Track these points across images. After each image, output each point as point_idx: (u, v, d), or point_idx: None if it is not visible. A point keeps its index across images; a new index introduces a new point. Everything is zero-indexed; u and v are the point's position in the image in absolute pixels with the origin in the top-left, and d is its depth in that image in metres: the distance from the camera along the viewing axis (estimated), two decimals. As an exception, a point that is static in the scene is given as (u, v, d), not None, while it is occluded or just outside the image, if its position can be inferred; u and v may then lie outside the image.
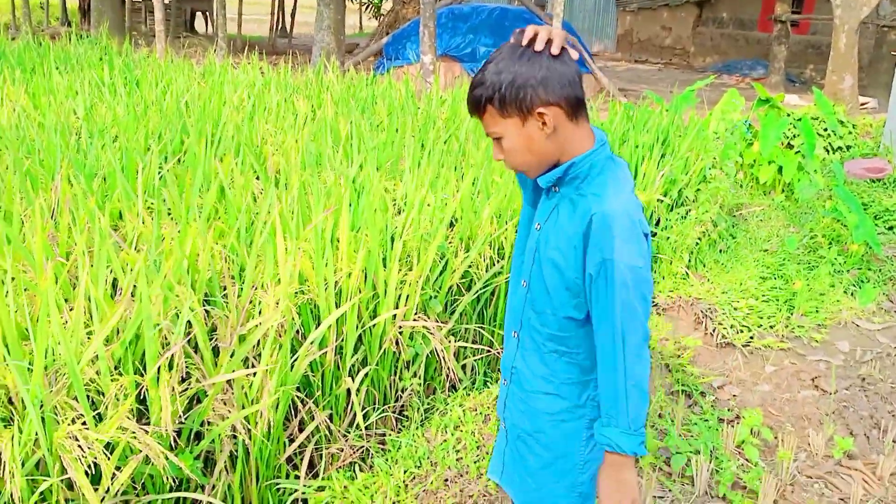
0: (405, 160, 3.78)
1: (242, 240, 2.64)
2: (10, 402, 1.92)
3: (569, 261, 1.48)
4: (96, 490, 1.84)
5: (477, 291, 3.13)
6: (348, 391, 2.61)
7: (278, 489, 2.43)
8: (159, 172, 3.37)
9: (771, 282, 4.53)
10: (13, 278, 2.20)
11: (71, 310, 2.13)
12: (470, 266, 3.16)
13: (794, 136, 6.06)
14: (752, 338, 4.09)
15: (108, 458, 1.85)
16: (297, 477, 2.45)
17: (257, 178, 3.67)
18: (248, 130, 4.14)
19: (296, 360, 2.34)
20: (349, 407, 2.65)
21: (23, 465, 1.75)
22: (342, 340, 2.60)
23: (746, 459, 3.11)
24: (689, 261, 4.57)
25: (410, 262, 2.90)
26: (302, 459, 2.48)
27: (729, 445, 3.16)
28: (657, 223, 4.57)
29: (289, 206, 3.00)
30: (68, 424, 1.82)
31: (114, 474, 1.89)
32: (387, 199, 3.11)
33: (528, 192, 1.67)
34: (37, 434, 1.78)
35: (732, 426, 3.28)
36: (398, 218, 3.11)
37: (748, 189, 6.10)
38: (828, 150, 6.25)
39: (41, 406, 1.79)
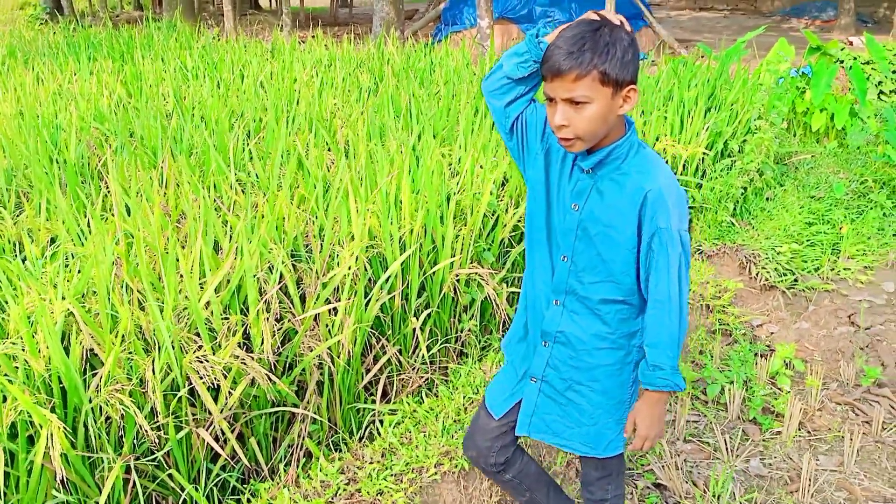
0: (460, 126, 4.14)
1: (320, 204, 3.08)
2: (144, 339, 2.42)
3: (624, 233, 1.65)
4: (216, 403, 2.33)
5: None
6: (414, 330, 3.04)
7: (357, 411, 2.89)
8: (244, 148, 3.85)
9: (817, 227, 4.70)
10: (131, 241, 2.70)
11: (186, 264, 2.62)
12: (519, 221, 3.52)
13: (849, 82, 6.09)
14: (795, 281, 4.31)
15: (224, 379, 2.34)
16: (373, 401, 2.91)
17: (328, 150, 4.11)
18: (318, 106, 4.58)
19: (369, 301, 2.78)
20: (416, 344, 3.09)
21: (161, 383, 2.25)
22: (407, 287, 3.02)
23: (779, 389, 3.40)
24: (735, 210, 4.80)
25: (465, 218, 3.29)
26: (377, 387, 2.94)
27: (762, 376, 3.46)
28: (702, 175, 4.80)
29: (357, 174, 3.42)
30: (193, 353, 2.31)
31: (229, 393, 2.37)
32: (443, 164, 3.50)
33: (534, 175, 1.80)
34: (169, 361, 2.28)
35: (766, 359, 3.57)
36: (453, 180, 3.49)
37: (800, 137, 6.20)
38: (881, 96, 6.25)
39: (171, 339, 2.28)
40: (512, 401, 1.97)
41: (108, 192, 3.42)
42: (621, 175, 1.64)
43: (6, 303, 2.35)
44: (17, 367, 2.12)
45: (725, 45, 8.95)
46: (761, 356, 3.64)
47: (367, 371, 2.93)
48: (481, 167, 3.57)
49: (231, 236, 2.80)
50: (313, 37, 7.99)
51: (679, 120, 4.83)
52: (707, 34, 14.96)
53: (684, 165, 4.67)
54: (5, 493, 2.05)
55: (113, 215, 3.05)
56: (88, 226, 2.94)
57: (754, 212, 4.88)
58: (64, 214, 2.90)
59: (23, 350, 2.13)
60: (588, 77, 1.51)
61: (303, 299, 2.84)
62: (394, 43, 6.95)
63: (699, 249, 4.52)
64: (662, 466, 2.91)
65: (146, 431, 2.13)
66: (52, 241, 3.01)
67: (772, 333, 3.91)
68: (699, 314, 3.95)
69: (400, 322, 3.06)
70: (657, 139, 4.54)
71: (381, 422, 2.86)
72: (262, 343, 2.46)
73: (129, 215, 3.05)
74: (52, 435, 1.98)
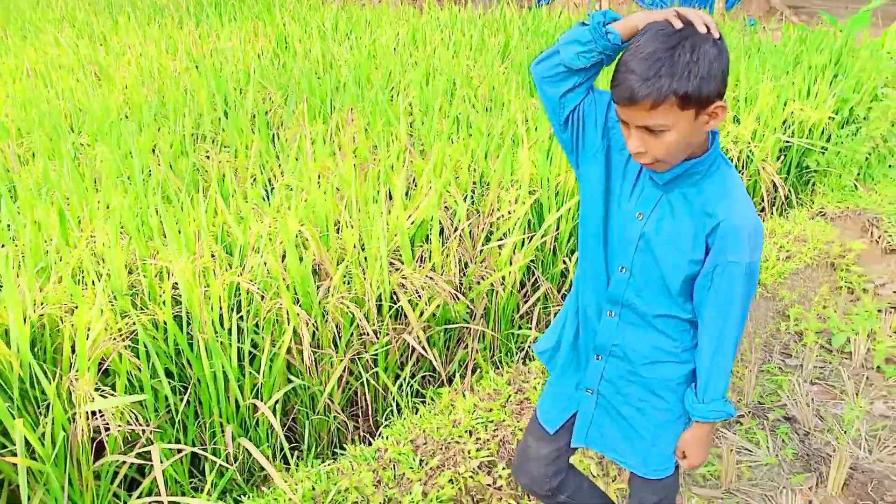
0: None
1: (488, 154, 3.43)
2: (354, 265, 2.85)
3: (688, 254, 1.50)
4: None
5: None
6: (566, 269, 3.38)
7: (514, 336, 3.27)
8: (390, 101, 4.23)
9: (943, 195, 4.77)
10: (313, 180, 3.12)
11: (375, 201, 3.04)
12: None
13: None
14: (917, 245, 4.43)
15: (420, 297, 2.74)
16: (528, 328, 3.28)
17: (472, 107, 4.46)
18: (458, 65, 4.92)
19: (532, 238, 3.14)
20: (566, 280, 3.43)
21: (378, 297, 2.67)
22: (558, 232, 3.36)
23: (902, 341, 3.59)
24: (858, 175, 4.91)
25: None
26: (531, 316, 3.31)
27: (886, 329, 3.65)
28: (828, 139, 4.92)
29: (510, 128, 3.76)
30: (400, 272, 2.72)
31: (422, 311, 2.78)
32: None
33: (593, 174, 1.59)
34: (381, 278, 2.69)
35: (890, 314, 3.75)
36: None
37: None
38: None
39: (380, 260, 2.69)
40: (566, 413, 1.82)
41: (278, 137, 3.87)
42: (696, 192, 1.48)
43: (238, 224, 2.81)
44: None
45: (845, 13, 8.80)
46: (886, 312, 3.82)
47: (526, 301, 3.30)
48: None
49: (415, 180, 3.19)
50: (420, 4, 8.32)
51: (806, 85, 4.95)
52: (817, 0, 14.49)
53: (810, 130, 4.80)
54: (252, 375, 2.51)
55: (296, 159, 3.49)
56: (278, 166, 3.38)
57: (877, 177, 4.97)
58: (267, 156, 3.35)
59: (264, 264, 2.58)
60: (665, 104, 1.31)
61: (471, 236, 3.22)
62: (514, 6, 7.20)
63: (822, 212, 4.68)
64: (794, 402, 3.17)
65: (366, 333, 2.56)
66: (253, 179, 3.47)
67: (894, 293, 4.06)
68: (824, 271, 4.14)
69: (551, 261, 3.40)
70: (785, 103, 4.68)
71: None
72: (449, 269, 2.85)
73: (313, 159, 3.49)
74: (297, 330, 2.42)
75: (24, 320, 2.12)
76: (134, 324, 2.24)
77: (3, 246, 2.65)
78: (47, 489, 2.11)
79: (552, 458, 1.87)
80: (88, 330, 2.12)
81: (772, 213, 4.64)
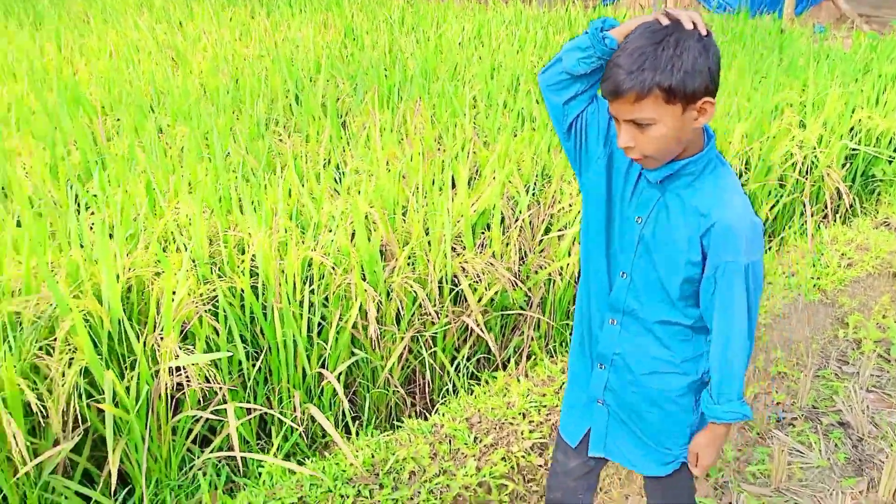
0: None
1: (551, 148, 3.50)
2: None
3: (684, 255, 1.50)
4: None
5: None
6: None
7: (569, 326, 3.33)
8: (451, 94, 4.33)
9: None
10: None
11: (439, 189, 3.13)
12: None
13: None
14: None
15: (480, 282, 2.83)
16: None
17: (536, 102, 4.52)
18: (522, 60, 4.99)
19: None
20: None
21: (440, 280, 2.77)
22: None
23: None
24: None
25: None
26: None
27: (948, 342, 3.59)
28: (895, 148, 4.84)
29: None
30: (462, 257, 2.81)
31: (481, 296, 2.87)
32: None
33: (593, 180, 1.62)
34: (444, 261, 2.79)
35: (954, 327, 3.69)
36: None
37: None
38: None
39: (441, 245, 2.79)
40: (584, 425, 1.82)
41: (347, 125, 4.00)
42: (691, 194, 1.48)
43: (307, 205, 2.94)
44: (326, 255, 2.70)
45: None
46: (949, 324, 3.76)
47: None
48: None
49: (479, 170, 3.28)
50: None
51: (875, 94, 4.87)
52: (889, 10, 14.07)
53: (878, 138, 4.73)
54: (319, 346, 2.64)
55: (365, 146, 3.61)
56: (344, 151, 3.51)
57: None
58: (337, 142, 3.48)
59: (331, 241, 2.70)
60: (649, 97, 1.35)
61: (531, 226, 3.29)
62: (579, 5, 7.23)
63: (886, 222, 4.60)
64: (849, 408, 3.16)
65: (427, 313, 2.66)
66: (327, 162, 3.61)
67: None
68: (885, 280, 4.08)
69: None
70: (853, 111, 4.63)
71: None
72: (509, 257, 2.93)
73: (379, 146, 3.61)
74: (363, 305, 2.54)
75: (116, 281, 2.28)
76: (214, 290, 2.38)
77: (92, 213, 2.84)
78: (129, 439, 2.26)
79: (582, 473, 1.87)
80: (174, 293, 2.27)
81: (834, 221, 4.59)
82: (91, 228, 2.54)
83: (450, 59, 5.15)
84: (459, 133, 3.70)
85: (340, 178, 3.28)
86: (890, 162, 4.80)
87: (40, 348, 2.19)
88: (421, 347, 2.88)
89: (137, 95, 4.22)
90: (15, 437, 1.91)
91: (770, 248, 4.14)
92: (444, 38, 6.00)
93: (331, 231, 2.71)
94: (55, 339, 2.19)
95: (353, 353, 2.72)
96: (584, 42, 1.44)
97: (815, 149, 4.35)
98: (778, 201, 4.23)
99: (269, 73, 4.75)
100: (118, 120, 3.89)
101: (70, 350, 2.18)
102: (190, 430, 2.50)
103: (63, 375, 2.13)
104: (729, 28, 6.78)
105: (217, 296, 2.40)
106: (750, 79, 4.72)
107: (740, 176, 3.83)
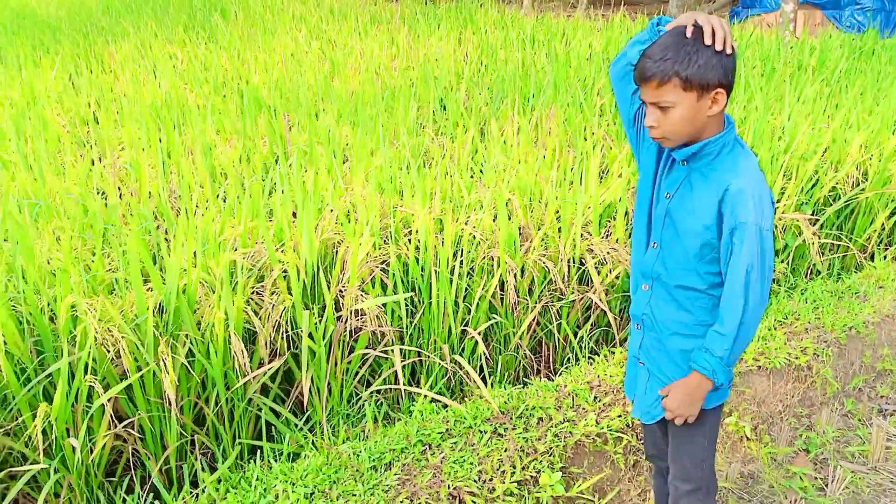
0: (786, 97, 4.67)
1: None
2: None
3: (706, 225, 1.69)
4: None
5: (841, 204, 3.99)
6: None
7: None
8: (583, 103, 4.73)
9: None
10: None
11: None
12: (836, 184, 4.02)
13: None
14: None
15: (605, 264, 3.22)
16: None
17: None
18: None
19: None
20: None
21: (569, 261, 3.19)
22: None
23: None
24: None
25: (791, 174, 3.87)
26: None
27: None
28: None
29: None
30: (588, 241, 3.22)
31: (604, 279, 3.26)
32: (770, 128, 4.09)
33: (646, 162, 1.85)
34: (575, 242, 3.21)
35: None
36: (780, 142, 4.07)
37: None
38: None
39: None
40: (635, 384, 2.01)
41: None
42: (711, 170, 1.69)
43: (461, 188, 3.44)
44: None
45: None
46: None
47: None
48: (812, 129, 4.10)
49: (607, 168, 3.68)
50: (606, 15, 8.71)
51: None
52: None
53: None
54: (465, 307, 3.11)
55: (504, 142, 4.08)
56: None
57: None
58: (478, 143, 3.97)
59: (479, 220, 3.18)
60: (669, 83, 1.58)
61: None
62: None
63: None
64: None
65: (558, 288, 3.08)
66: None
67: None
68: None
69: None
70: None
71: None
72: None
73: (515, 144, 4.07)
74: (502, 277, 3.00)
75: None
76: (386, 254, 2.91)
77: (282, 192, 3.45)
78: (316, 370, 2.82)
79: (662, 432, 2.05)
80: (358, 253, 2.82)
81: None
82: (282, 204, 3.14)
83: (580, 73, 5.56)
84: (589, 136, 4.11)
85: (482, 173, 3.77)
86: None
87: (253, 292, 2.78)
88: (549, 320, 3.30)
89: (306, 100, 4.89)
90: (241, 352, 2.49)
91: (885, 257, 4.28)
92: (572, 53, 6.42)
93: (480, 209, 3.19)
94: (263, 287, 2.78)
95: (490, 318, 3.18)
96: (644, 35, 1.72)
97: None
98: (895, 212, 4.36)
99: (416, 83, 5.34)
100: (288, 119, 4.56)
101: (275, 293, 2.76)
102: (357, 372, 3.03)
103: (269, 314, 2.71)
104: (857, 46, 6.81)
105: (387, 259, 2.93)
106: (872, 95, 4.85)
107: (857, 184, 4.02)
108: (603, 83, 5.24)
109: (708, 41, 1.56)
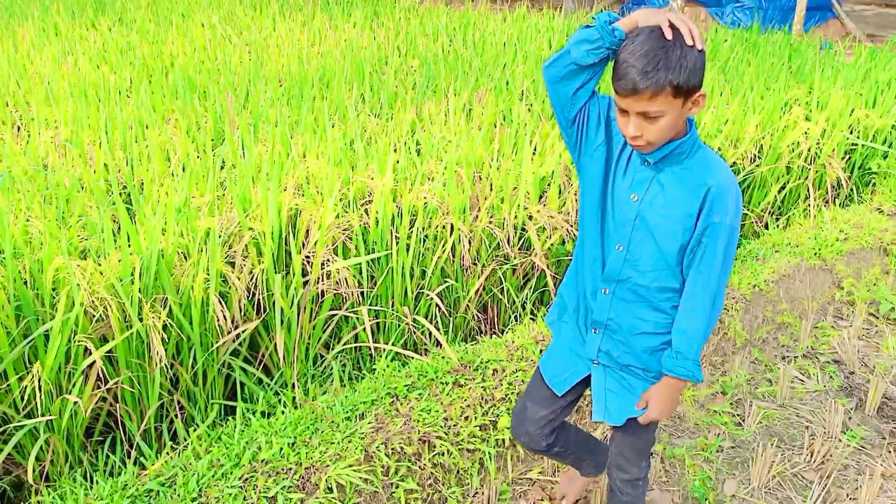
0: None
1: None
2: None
3: (683, 225, 1.68)
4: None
5: (740, 178, 4.46)
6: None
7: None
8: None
9: None
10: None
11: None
12: (736, 160, 4.49)
13: None
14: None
15: (545, 230, 3.51)
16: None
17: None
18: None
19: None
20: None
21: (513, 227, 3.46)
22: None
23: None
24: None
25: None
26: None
27: (928, 302, 4.25)
28: (889, 145, 5.53)
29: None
30: (531, 207, 3.50)
31: (544, 243, 3.55)
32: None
33: (591, 169, 1.78)
34: (518, 210, 3.48)
35: (933, 291, 4.35)
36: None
37: None
38: None
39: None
40: (574, 379, 2.01)
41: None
42: (683, 170, 1.68)
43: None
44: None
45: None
46: (929, 289, 4.42)
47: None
48: (713, 110, 4.55)
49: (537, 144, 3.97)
50: (512, 9, 9.13)
51: (872, 96, 5.56)
52: (892, 30, 14.79)
53: (874, 135, 5.41)
54: (420, 272, 3.31)
55: (432, 123, 4.30)
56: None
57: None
58: (417, 121, 4.17)
59: (431, 189, 3.39)
60: (663, 93, 1.53)
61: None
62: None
63: (879, 208, 5.28)
64: (843, 350, 3.83)
65: (504, 254, 3.34)
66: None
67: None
68: (876, 254, 4.75)
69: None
70: (852, 110, 5.31)
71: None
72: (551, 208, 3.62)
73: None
74: (454, 244, 3.22)
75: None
76: (347, 223, 3.07)
77: (234, 166, 3.53)
78: (288, 333, 2.94)
79: (548, 420, 2.08)
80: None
81: (834, 206, 5.26)
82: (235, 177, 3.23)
83: (498, 59, 5.86)
84: (517, 115, 4.39)
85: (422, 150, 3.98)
86: (885, 157, 5.48)
87: (224, 258, 2.87)
88: (493, 284, 3.56)
89: (239, 81, 4.93)
90: (220, 313, 2.60)
91: (778, 226, 4.82)
92: (487, 41, 6.72)
93: (431, 181, 3.39)
94: (234, 252, 2.88)
95: (443, 282, 3.40)
96: (593, 35, 1.59)
97: (819, 141, 5.02)
98: (785, 186, 4.90)
99: (341, 66, 5.46)
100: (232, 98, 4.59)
101: (246, 258, 2.86)
102: (319, 337, 3.17)
103: (241, 277, 2.81)
104: (742, 39, 7.49)
105: (348, 228, 3.09)
106: (763, 80, 5.41)
107: (753, 160, 4.52)
108: (522, 69, 5.55)
109: (689, 42, 1.53)
